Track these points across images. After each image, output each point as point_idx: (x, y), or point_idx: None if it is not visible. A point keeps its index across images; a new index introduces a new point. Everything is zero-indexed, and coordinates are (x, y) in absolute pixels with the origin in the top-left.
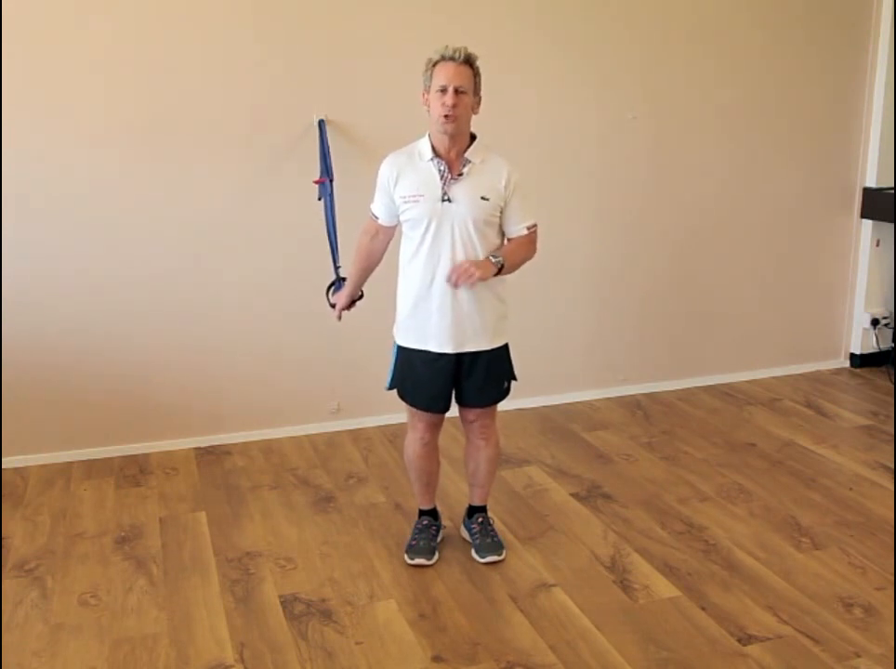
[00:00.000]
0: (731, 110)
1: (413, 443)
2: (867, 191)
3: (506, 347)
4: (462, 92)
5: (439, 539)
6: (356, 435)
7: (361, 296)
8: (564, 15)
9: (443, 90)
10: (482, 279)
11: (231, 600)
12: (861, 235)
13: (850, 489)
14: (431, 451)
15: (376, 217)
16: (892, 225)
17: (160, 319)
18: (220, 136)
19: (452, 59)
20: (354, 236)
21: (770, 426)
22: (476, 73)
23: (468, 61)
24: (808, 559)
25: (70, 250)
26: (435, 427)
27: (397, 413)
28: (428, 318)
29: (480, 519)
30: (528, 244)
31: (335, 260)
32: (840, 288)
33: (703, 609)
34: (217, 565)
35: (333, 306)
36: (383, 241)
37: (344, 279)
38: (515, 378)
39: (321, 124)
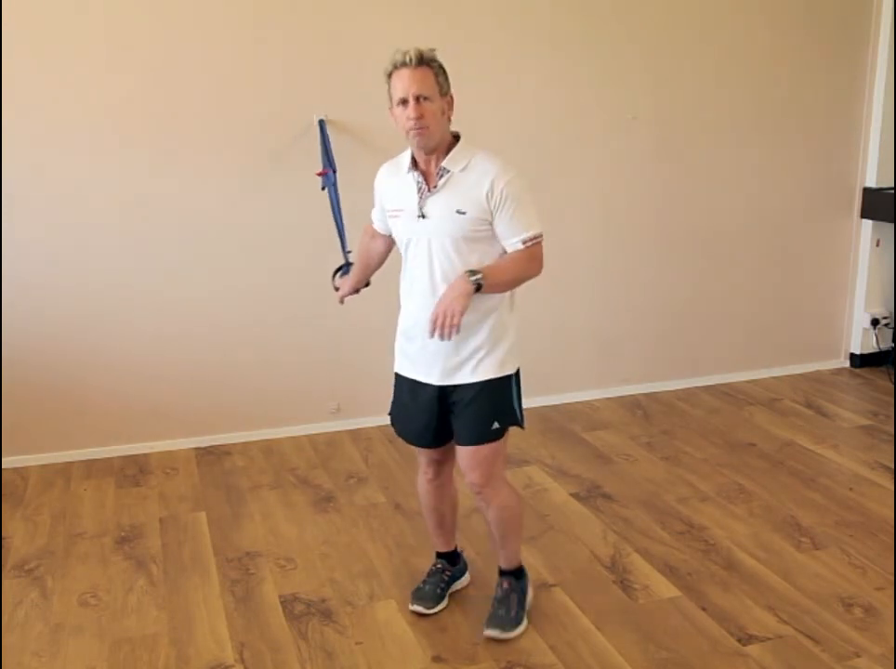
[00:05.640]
0: (731, 110)
1: (419, 477)
2: (867, 191)
3: (500, 381)
4: (425, 99)
5: (454, 587)
6: (356, 435)
7: (367, 284)
8: (564, 14)
9: (404, 102)
10: (464, 309)
11: (231, 600)
12: (861, 235)
13: (850, 489)
14: (438, 488)
15: (373, 222)
16: (892, 225)
17: (160, 319)
18: (222, 137)
19: (404, 64)
20: (356, 229)
21: (770, 426)
22: (436, 73)
23: (423, 62)
24: (808, 559)
25: (70, 250)
26: (437, 464)
27: None
28: (414, 344)
29: (504, 585)
30: (524, 261)
31: (343, 245)
32: (840, 288)
33: (703, 609)
34: (217, 565)
35: (336, 288)
36: (381, 245)
37: (352, 264)
38: (516, 421)
39: (321, 123)
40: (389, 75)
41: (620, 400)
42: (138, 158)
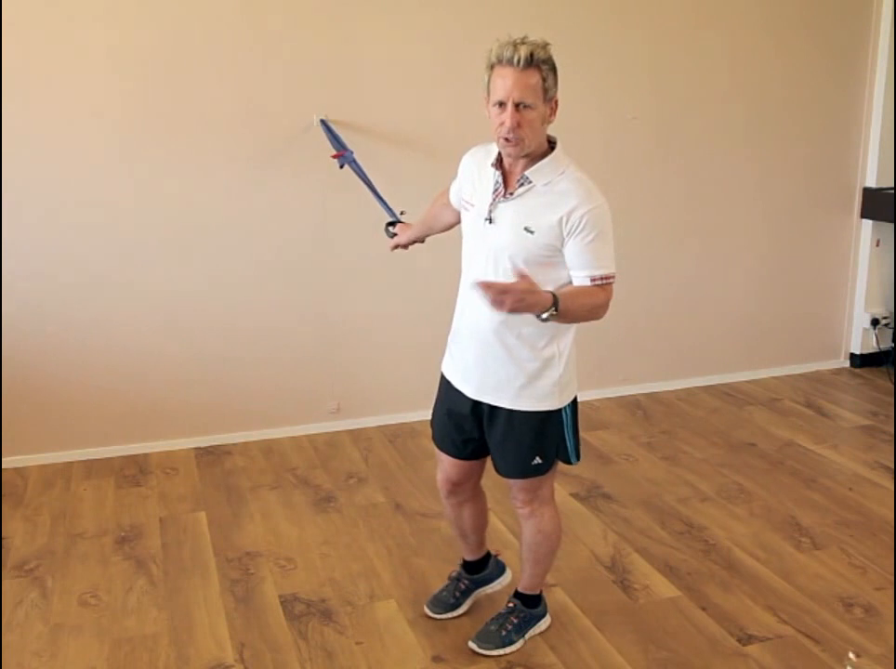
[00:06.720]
0: (731, 110)
1: (439, 483)
2: (867, 191)
3: (547, 414)
4: (526, 107)
5: (483, 591)
6: (356, 435)
7: (422, 241)
8: (564, 14)
9: (501, 104)
10: (519, 311)
11: (231, 600)
12: (861, 235)
13: (850, 489)
14: (456, 506)
15: (449, 192)
16: (892, 225)
17: (160, 319)
18: (222, 137)
19: (510, 63)
20: (354, 225)
21: (770, 426)
22: (545, 76)
23: (533, 63)
24: (808, 559)
25: (69, 250)
26: (452, 484)
27: (397, 413)
28: (458, 346)
29: (509, 604)
30: (594, 294)
31: (390, 209)
32: (840, 288)
33: (703, 609)
34: (217, 565)
35: (392, 235)
36: (450, 216)
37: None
38: (564, 457)
39: (322, 122)
40: (491, 67)
41: (620, 400)
42: (137, 158)
